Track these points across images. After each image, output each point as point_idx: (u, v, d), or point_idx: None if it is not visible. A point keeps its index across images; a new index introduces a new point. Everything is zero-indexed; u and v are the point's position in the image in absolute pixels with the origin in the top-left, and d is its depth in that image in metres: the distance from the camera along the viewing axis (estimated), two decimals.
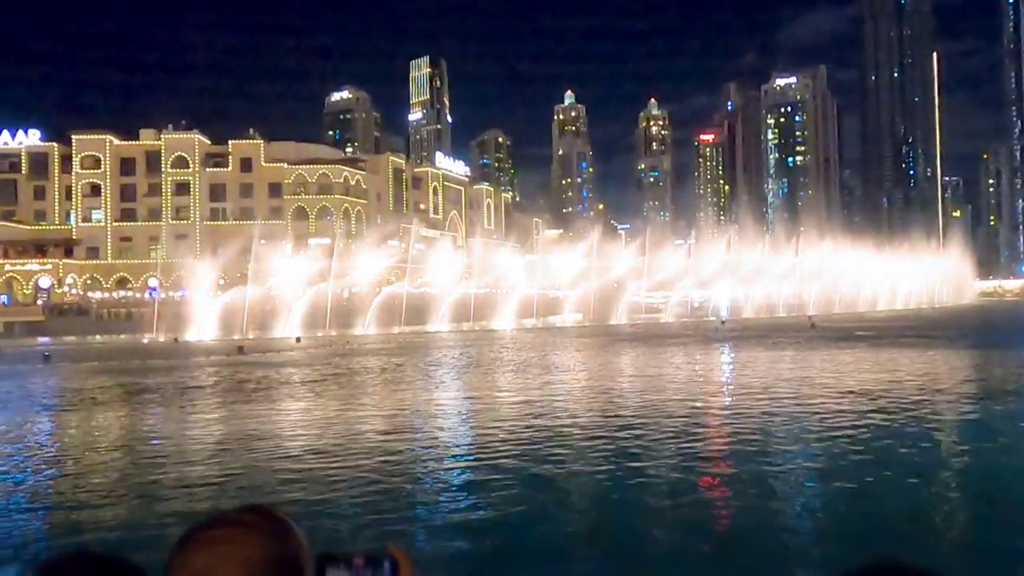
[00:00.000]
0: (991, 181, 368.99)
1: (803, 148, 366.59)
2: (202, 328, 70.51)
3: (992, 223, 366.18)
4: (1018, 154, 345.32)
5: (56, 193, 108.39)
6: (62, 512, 11.54)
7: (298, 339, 62.84)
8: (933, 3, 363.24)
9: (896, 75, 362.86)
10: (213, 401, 25.15)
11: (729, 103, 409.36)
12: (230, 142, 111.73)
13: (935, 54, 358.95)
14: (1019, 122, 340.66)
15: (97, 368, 40.70)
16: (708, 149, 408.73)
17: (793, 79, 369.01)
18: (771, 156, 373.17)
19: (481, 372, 34.55)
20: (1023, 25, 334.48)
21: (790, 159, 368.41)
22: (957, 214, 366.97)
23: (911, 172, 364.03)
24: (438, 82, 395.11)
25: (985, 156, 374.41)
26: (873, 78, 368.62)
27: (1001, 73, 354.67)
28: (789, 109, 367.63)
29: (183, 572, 1.37)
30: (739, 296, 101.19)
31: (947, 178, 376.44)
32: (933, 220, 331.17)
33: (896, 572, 1.24)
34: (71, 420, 21.91)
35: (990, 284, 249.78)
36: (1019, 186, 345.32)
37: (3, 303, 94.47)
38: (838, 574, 1.27)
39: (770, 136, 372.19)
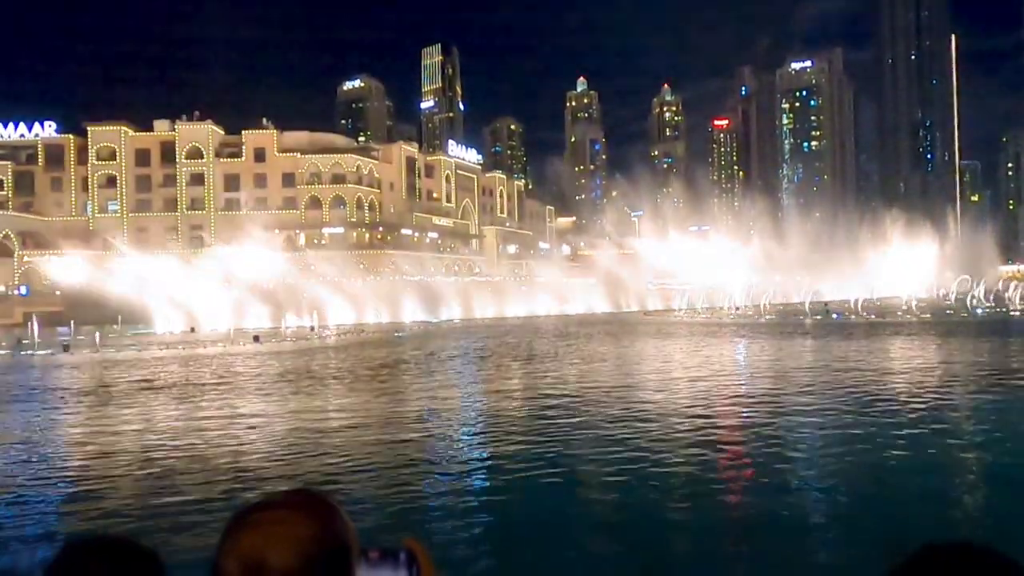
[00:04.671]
0: (1010, 165, 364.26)
1: (818, 133, 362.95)
2: (215, 318, 71.06)
3: (1011, 207, 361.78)
4: None
5: (72, 184, 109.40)
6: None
7: (312, 328, 63.32)
8: None
9: (913, 58, 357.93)
10: (268, 393, 25.41)
11: (743, 88, 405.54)
12: (243, 132, 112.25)
13: (952, 37, 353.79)
14: None
15: (122, 359, 41.25)
16: (722, 135, 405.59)
17: (808, 63, 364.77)
18: (786, 141, 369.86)
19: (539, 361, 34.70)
20: None
21: (805, 144, 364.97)
22: (976, 199, 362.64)
23: (928, 157, 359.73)
24: (450, 70, 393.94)
25: (1003, 140, 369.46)
26: (890, 61, 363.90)
27: (1020, 55, 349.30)
28: (804, 94, 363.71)
29: (233, 554, 1.39)
30: (753, 282, 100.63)
31: (965, 162, 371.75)
32: (951, 205, 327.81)
33: (972, 555, 1.19)
34: (115, 413, 22.21)
35: (1010, 268, 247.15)
36: None
37: (22, 294, 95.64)
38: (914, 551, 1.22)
39: (785, 121, 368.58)
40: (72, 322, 61.39)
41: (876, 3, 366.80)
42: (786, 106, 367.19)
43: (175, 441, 16.22)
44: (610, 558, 8.76)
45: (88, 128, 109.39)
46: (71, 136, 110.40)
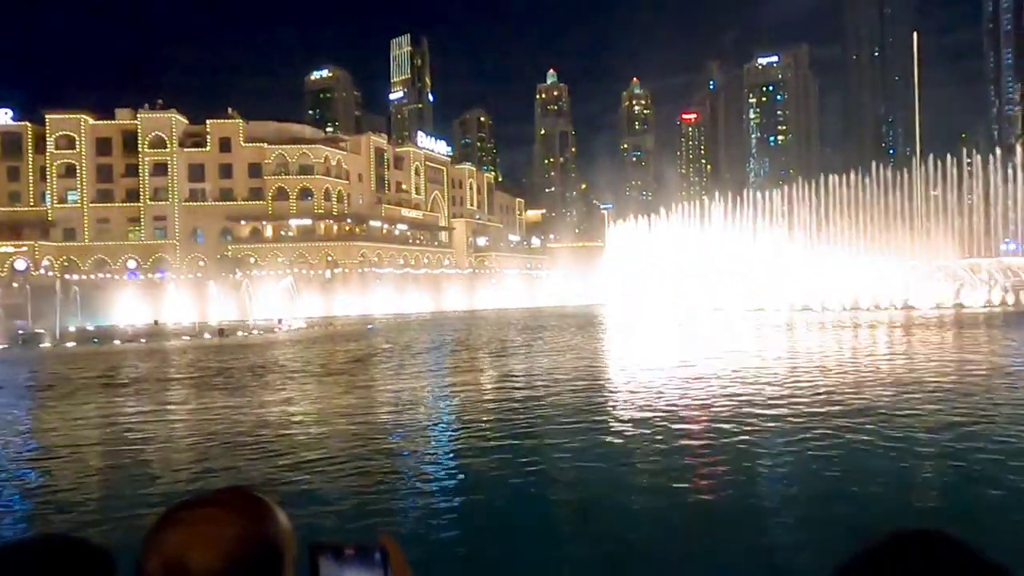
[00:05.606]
0: (968, 160, 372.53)
1: (784, 127, 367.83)
2: (179, 310, 69.78)
3: (971, 201, 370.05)
4: (995, 133, 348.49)
5: (30, 174, 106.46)
6: None
7: (280, 320, 62.46)
8: None
9: (876, 54, 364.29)
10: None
11: (711, 82, 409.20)
12: (208, 121, 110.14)
13: (915, 33, 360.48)
14: (997, 101, 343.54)
15: (82, 352, 40.22)
16: (690, 128, 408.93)
17: (774, 58, 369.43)
18: (752, 135, 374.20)
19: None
20: (1002, 5, 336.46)
21: (771, 138, 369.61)
22: (937, 192, 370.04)
23: (891, 151, 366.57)
24: (419, 61, 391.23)
25: (963, 135, 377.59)
26: (854, 57, 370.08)
27: (980, 52, 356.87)
28: (771, 88, 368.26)
29: (157, 552, 1.35)
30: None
31: (927, 156, 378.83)
32: (913, 198, 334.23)
33: (933, 542, 1.20)
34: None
35: (971, 261, 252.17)
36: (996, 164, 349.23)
37: None
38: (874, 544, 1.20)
39: (751, 115, 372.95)
40: (31, 315, 59.80)
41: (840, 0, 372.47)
42: (753, 100, 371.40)
43: (131, 440, 15.71)
44: (584, 559, 8.58)
45: (46, 116, 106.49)
46: (28, 124, 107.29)
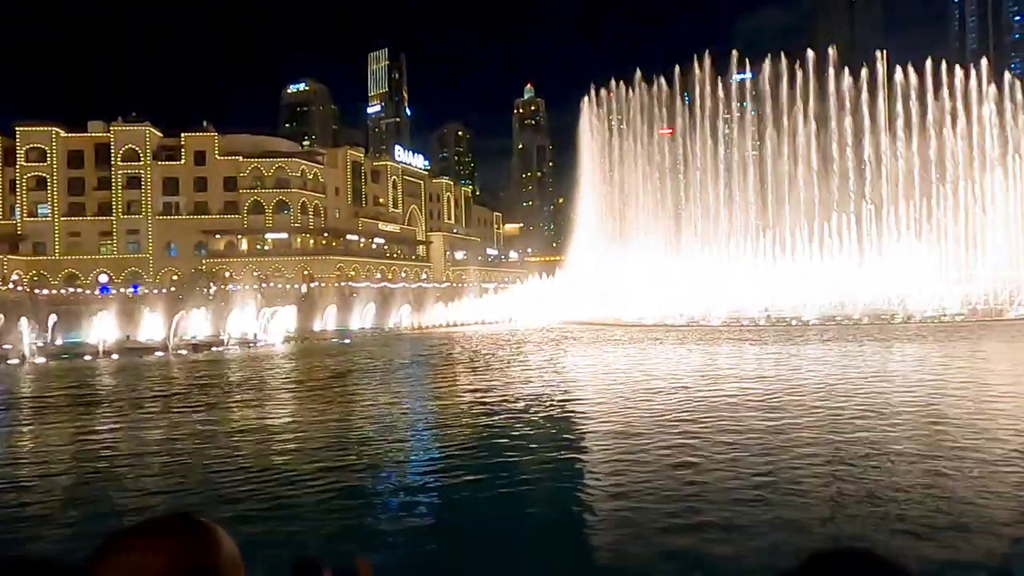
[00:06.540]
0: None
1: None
2: (151, 325, 68.60)
3: None
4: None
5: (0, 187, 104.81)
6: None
7: (255, 335, 61.67)
8: (883, 3, 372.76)
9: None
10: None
11: (686, 98, 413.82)
12: (183, 134, 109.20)
13: (883, 53, 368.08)
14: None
15: (53, 369, 39.41)
16: (666, 143, 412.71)
17: (749, 75, 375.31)
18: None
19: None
20: (968, 28, 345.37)
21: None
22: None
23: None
24: (397, 75, 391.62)
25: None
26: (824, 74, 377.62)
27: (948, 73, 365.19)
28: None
29: None
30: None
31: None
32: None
33: (854, 559, 1.21)
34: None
35: None
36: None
37: None
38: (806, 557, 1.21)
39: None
40: None
41: (813, 19, 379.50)
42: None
43: (99, 459, 15.32)
44: None
45: (17, 128, 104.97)
46: None
